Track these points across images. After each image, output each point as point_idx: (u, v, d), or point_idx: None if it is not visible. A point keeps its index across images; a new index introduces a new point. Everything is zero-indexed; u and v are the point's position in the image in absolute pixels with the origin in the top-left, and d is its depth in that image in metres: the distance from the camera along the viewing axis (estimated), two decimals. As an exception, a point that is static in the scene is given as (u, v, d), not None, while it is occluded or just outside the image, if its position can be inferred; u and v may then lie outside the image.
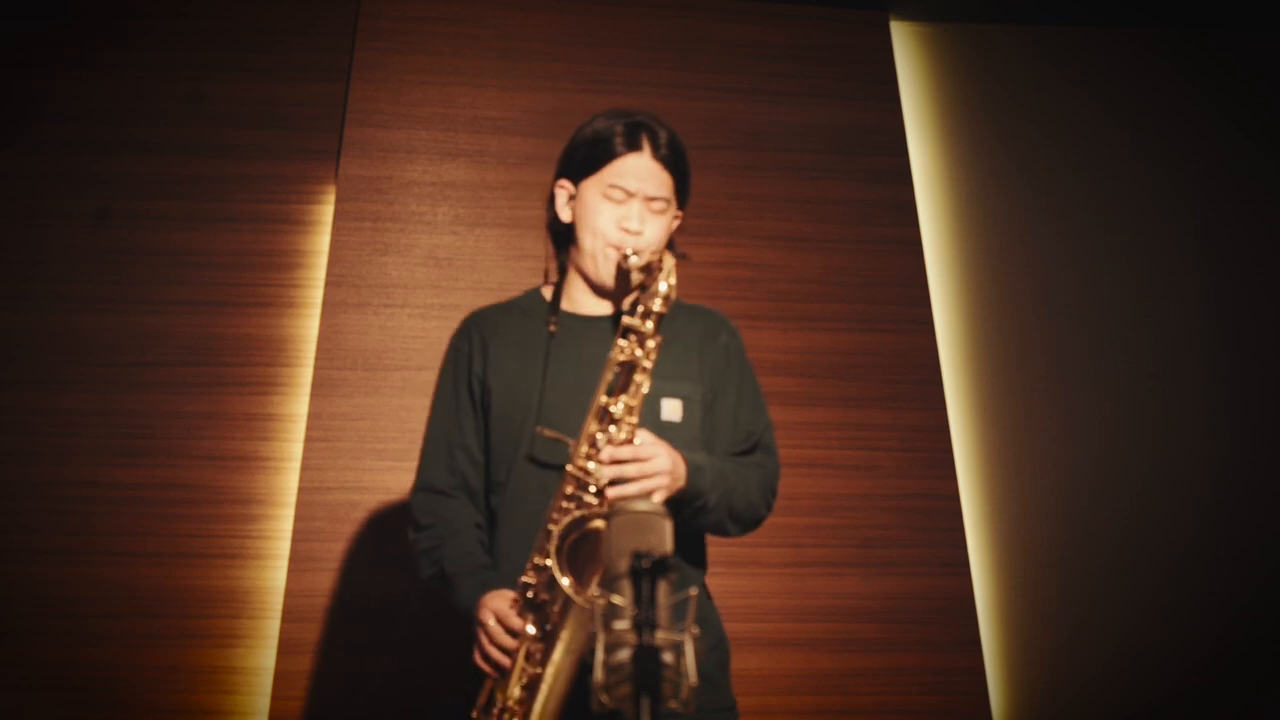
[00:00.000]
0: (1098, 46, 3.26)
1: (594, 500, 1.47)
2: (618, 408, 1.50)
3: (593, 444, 1.50)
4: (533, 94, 2.91)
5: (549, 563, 1.40)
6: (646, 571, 0.97)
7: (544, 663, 1.43)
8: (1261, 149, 3.18)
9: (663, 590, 0.98)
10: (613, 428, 1.50)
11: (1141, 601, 2.78)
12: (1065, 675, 2.71)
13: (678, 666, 0.95)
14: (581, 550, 1.42)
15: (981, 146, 3.14)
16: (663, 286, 1.54)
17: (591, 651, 1.34)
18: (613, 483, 1.47)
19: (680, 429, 1.64)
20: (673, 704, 0.94)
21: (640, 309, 1.54)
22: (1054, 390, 2.94)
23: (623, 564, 1.00)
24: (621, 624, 0.97)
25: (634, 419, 1.51)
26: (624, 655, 0.95)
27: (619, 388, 1.52)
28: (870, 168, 3.02)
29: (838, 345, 2.85)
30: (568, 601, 1.39)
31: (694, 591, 1.05)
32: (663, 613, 0.97)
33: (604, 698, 0.97)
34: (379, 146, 2.83)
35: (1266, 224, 3.13)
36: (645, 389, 1.52)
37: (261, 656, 2.45)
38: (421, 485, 1.72)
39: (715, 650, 1.66)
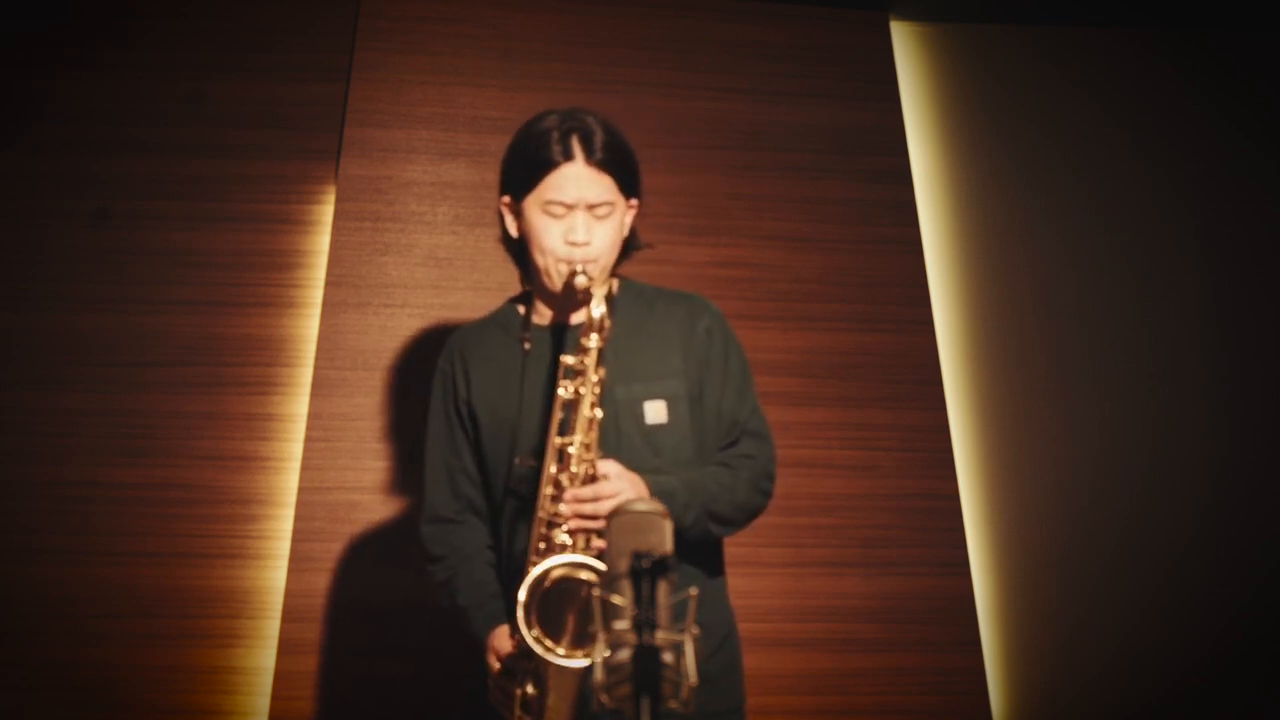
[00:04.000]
0: (1098, 46, 3.26)
1: (567, 540, 1.49)
2: (573, 447, 1.51)
3: (556, 485, 1.51)
4: (533, 94, 2.90)
5: (519, 623, 1.42)
6: (646, 571, 0.97)
7: (540, 713, 1.46)
8: (1261, 149, 3.18)
9: (663, 590, 0.98)
10: (573, 467, 1.50)
11: (1141, 601, 2.78)
12: (1065, 675, 2.71)
13: (678, 666, 0.95)
14: (554, 600, 1.43)
15: (981, 146, 3.14)
16: (596, 313, 1.52)
17: (582, 697, 1.37)
18: (575, 530, 1.49)
19: (667, 430, 1.63)
20: (672, 704, 0.94)
21: (578, 345, 1.54)
22: (1054, 390, 2.94)
23: (623, 564, 1.00)
24: (621, 624, 0.97)
25: (591, 455, 1.51)
26: (624, 655, 0.95)
27: (570, 426, 1.52)
28: (870, 168, 3.02)
29: (838, 345, 2.84)
30: (544, 662, 1.41)
31: (694, 591, 1.05)
32: (663, 613, 0.97)
33: (604, 698, 0.97)
34: (379, 146, 2.83)
35: (1266, 224, 3.12)
36: (597, 425, 1.53)
37: (261, 656, 2.45)
38: (429, 516, 1.73)
39: (718, 653, 1.65)
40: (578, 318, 1.68)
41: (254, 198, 2.76)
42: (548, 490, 1.52)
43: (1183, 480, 2.88)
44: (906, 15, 3.21)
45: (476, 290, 2.72)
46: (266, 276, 2.72)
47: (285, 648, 2.43)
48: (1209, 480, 2.89)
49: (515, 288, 1.83)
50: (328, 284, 2.70)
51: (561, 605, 1.43)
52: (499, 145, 1.73)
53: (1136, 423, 2.92)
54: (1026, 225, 3.08)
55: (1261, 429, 2.94)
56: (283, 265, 2.74)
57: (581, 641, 1.41)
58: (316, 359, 2.63)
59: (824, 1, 3.13)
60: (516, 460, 1.60)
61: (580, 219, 1.59)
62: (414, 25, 2.95)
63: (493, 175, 2.81)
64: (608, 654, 0.97)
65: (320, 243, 2.76)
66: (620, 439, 1.59)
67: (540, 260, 1.63)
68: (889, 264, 2.94)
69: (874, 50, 3.15)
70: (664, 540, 1.06)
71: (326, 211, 2.79)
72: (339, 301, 2.69)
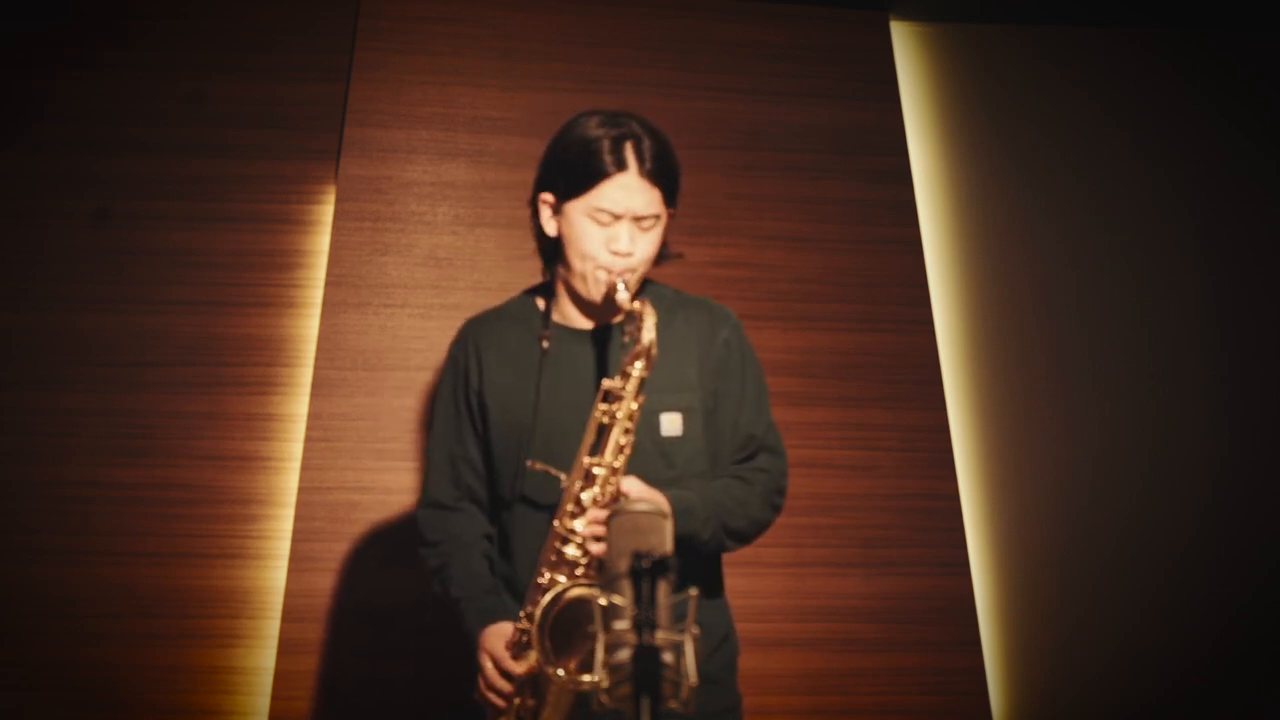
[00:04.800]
0: (1098, 46, 3.26)
1: (580, 555, 1.49)
2: (600, 469, 1.51)
3: (577, 502, 1.51)
4: (533, 94, 2.91)
5: (531, 633, 1.43)
6: (646, 571, 0.97)
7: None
8: (1261, 149, 3.18)
9: (663, 590, 0.98)
10: (597, 487, 1.51)
11: (1141, 601, 2.78)
12: (1065, 675, 2.71)
13: (678, 666, 0.95)
14: (565, 619, 1.44)
15: (981, 146, 3.14)
16: (646, 338, 1.52)
17: (578, 709, 1.34)
18: (591, 550, 1.49)
19: (682, 443, 1.63)
20: (672, 704, 0.94)
21: (621, 371, 1.54)
22: (1054, 390, 2.94)
23: (623, 564, 1.00)
24: (621, 624, 0.97)
25: (617, 479, 1.51)
26: (624, 655, 0.95)
27: (601, 448, 1.52)
28: (870, 168, 3.02)
29: (838, 345, 2.84)
30: (549, 680, 1.42)
31: (694, 591, 1.05)
32: (663, 613, 0.97)
33: (604, 698, 0.97)
34: (379, 146, 2.83)
35: (1266, 224, 3.13)
36: (628, 450, 1.52)
37: (261, 656, 2.45)
38: (427, 501, 1.72)
39: (718, 652, 1.65)
40: (612, 320, 1.69)
41: (254, 198, 2.76)
42: (569, 506, 1.51)
43: (1183, 480, 2.88)
44: (906, 15, 3.21)
45: (476, 290, 2.72)
46: (266, 276, 2.72)
47: (285, 648, 2.43)
48: (1209, 480, 2.89)
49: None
50: (328, 284, 2.70)
51: (570, 625, 1.43)
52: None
53: (1136, 423, 2.92)
54: (1026, 225, 3.08)
55: (1261, 429, 2.94)
56: (283, 265, 2.74)
57: (589, 663, 1.41)
58: (316, 359, 2.63)
59: (824, 1, 3.13)
60: (529, 463, 1.59)
61: (625, 229, 1.58)
62: (414, 25, 2.95)
63: (493, 175, 2.84)
64: (607, 654, 0.97)
65: (320, 243, 2.77)
66: (634, 449, 1.58)
67: (579, 265, 1.62)
68: (889, 264, 2.94)
69: (874, 50, 3.16)
70: (664, 540, 1.06)
71: (326, 211, 2.79)
72: (339, 301, 2.69)
